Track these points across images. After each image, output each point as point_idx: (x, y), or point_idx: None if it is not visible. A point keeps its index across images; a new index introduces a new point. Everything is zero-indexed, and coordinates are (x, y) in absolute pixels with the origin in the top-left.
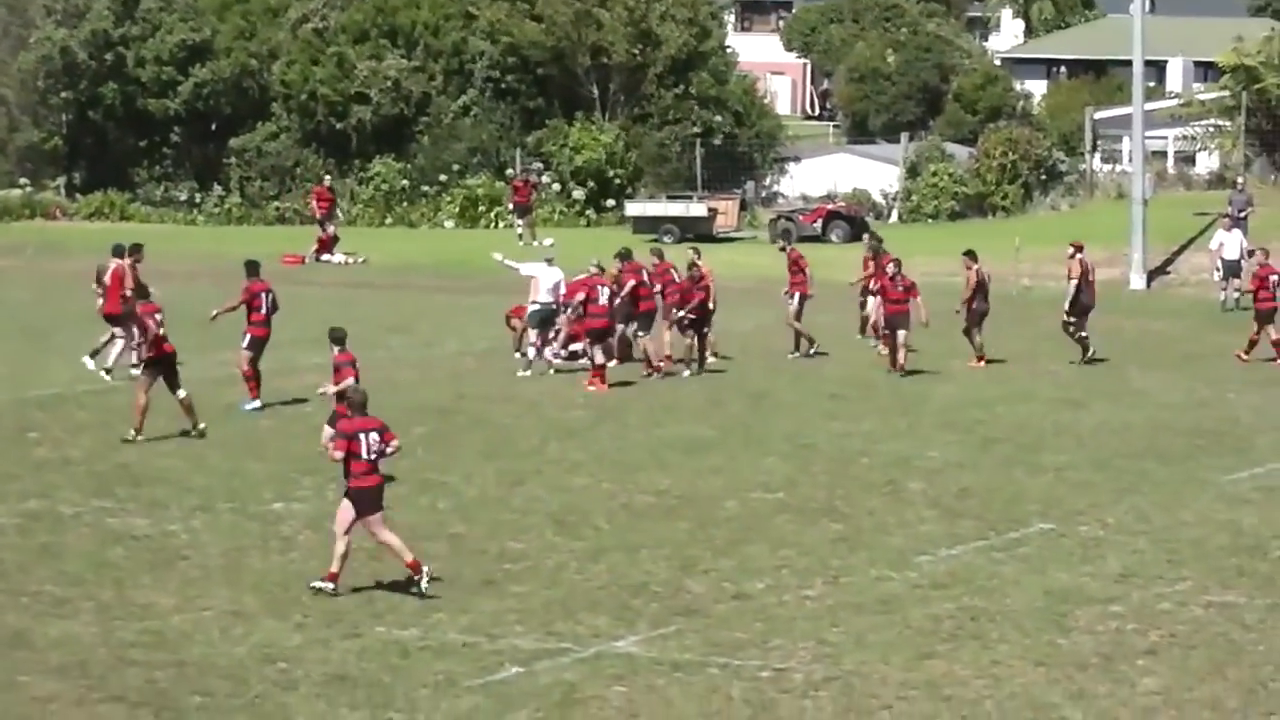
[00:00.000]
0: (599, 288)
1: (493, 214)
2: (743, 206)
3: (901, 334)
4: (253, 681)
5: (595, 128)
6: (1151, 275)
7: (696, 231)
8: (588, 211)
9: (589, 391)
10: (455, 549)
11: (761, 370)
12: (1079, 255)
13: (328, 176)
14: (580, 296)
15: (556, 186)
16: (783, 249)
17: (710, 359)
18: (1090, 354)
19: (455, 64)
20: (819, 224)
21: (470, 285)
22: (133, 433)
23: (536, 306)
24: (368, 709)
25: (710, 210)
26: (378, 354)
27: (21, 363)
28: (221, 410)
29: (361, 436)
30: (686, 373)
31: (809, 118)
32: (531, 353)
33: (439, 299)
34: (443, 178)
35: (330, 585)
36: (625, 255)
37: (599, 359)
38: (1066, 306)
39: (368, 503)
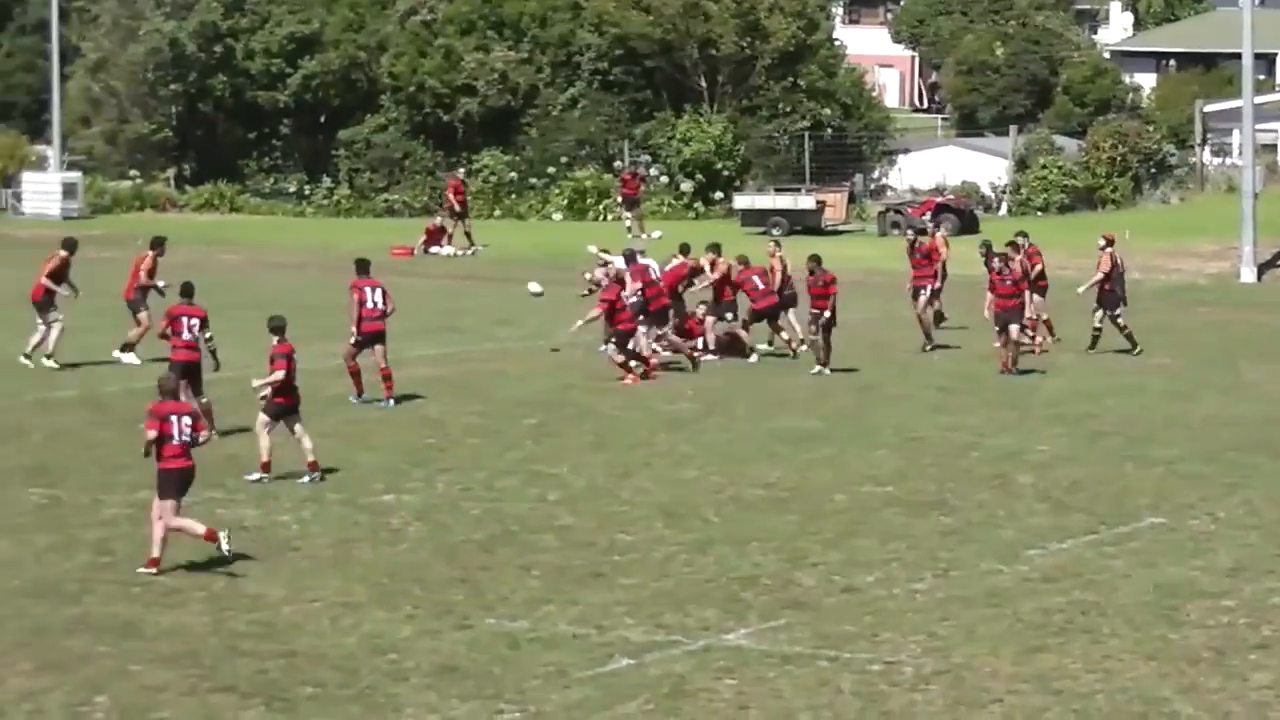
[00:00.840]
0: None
1: (601, 206)
2: (851, 199)
3: (1013, 329)
4: (363, 672)
5: (703, 120)
6: (1262, 268)
7: (805, 224)
8: (695, 204)
9: (625, 384)
10: (564, 540)
11: (869, 362)
12: (1110, 249)
13: (461, 170)
14: (595, 311)
15: (664, 179)
16: (913, 243)
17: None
18: (1093, 347)
19: (563, 56)
20: (927, 216)
21: (577, 278)
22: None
23: (633, 299)
24: (478, 700)
25: (819, 203)
26: (486, 346)
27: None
28: (329, 402)
29: (174, 419)
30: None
31: (917, 110)
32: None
33: (547, 291)
34: (551, 170)
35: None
36: (684, 249)
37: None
38: (1095, 300)
39: (173, 485)
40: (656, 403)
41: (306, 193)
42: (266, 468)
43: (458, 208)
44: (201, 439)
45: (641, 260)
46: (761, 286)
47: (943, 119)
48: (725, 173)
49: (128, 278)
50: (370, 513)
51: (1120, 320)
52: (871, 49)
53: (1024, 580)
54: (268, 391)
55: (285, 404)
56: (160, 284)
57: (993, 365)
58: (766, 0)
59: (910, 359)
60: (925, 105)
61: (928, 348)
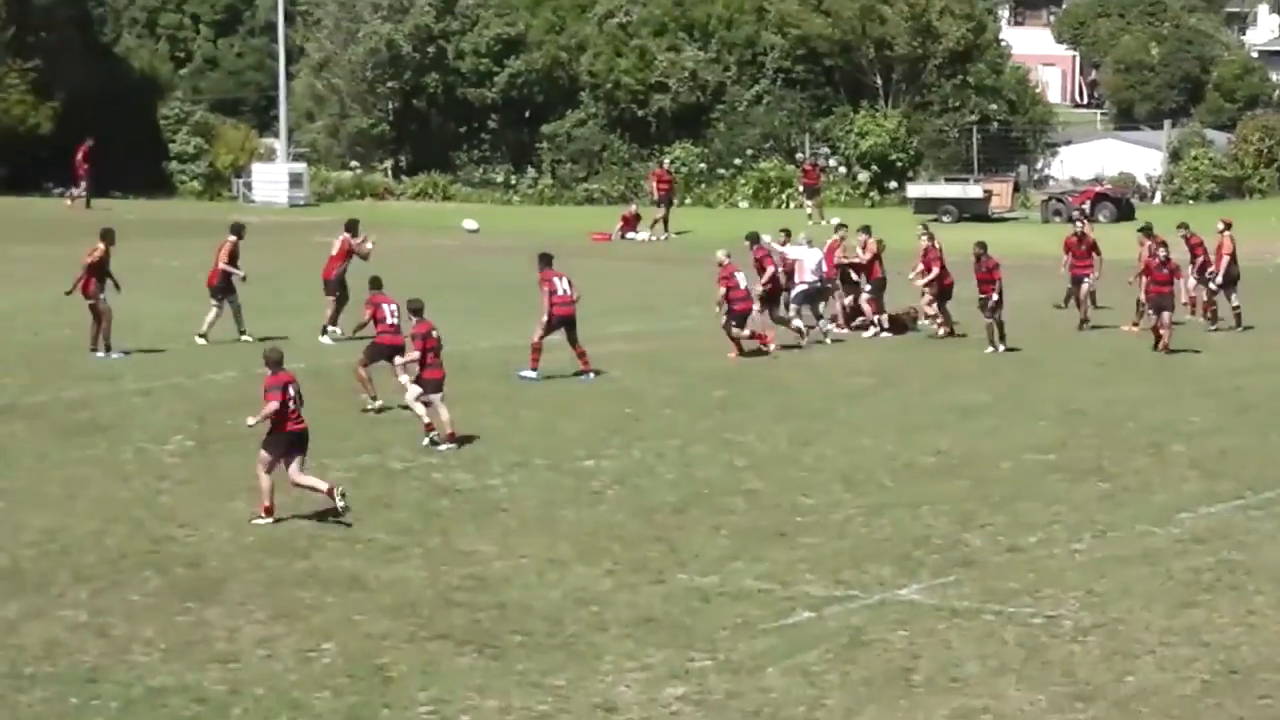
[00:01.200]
0: (735, 274)
1: (784, 195)
2: (1016, 188)
3: (1166, 315)
4: (567, 622)
5: (879, 115)
6: None
7: (972, 212)
8: (871, 193)
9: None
10: (751, 503)
11: (1033, 340)
12: (1228, 232)
13: (666, 159)
14: (720, 290)
15: (843, 170)
16: (1080, 235)
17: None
18: (1239, 324)
19: (748, 55)
20: (1087, 205)
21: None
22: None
23: (804, 286)
24: (672, 649)
25: (986, 192)
26: (681, 324)
27: (347, 328)
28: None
29: (290, 388)
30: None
31: (1078, 105)
32: (797, 323)
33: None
34: (737, 161)
35: (267, 519)
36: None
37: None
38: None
39: (299, 445)
40: (836, 376)
41: (512, 182)
42: (429, 429)
43: (657, 195)
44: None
45: (810, 250)
46: (744, 288)
47: (1101, 114)
48: (899, 164)
49: (211, 264)
50: (573, 477)
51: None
52: (1035, 49)
53: (1175, 541)
54: (414, 367)
55: (435, 378)
56: (240, 272)
57: (1147, 342)
58: (938, 4)
59: (1071, 337)
60: (1085, 101)
61: (1086, 327)
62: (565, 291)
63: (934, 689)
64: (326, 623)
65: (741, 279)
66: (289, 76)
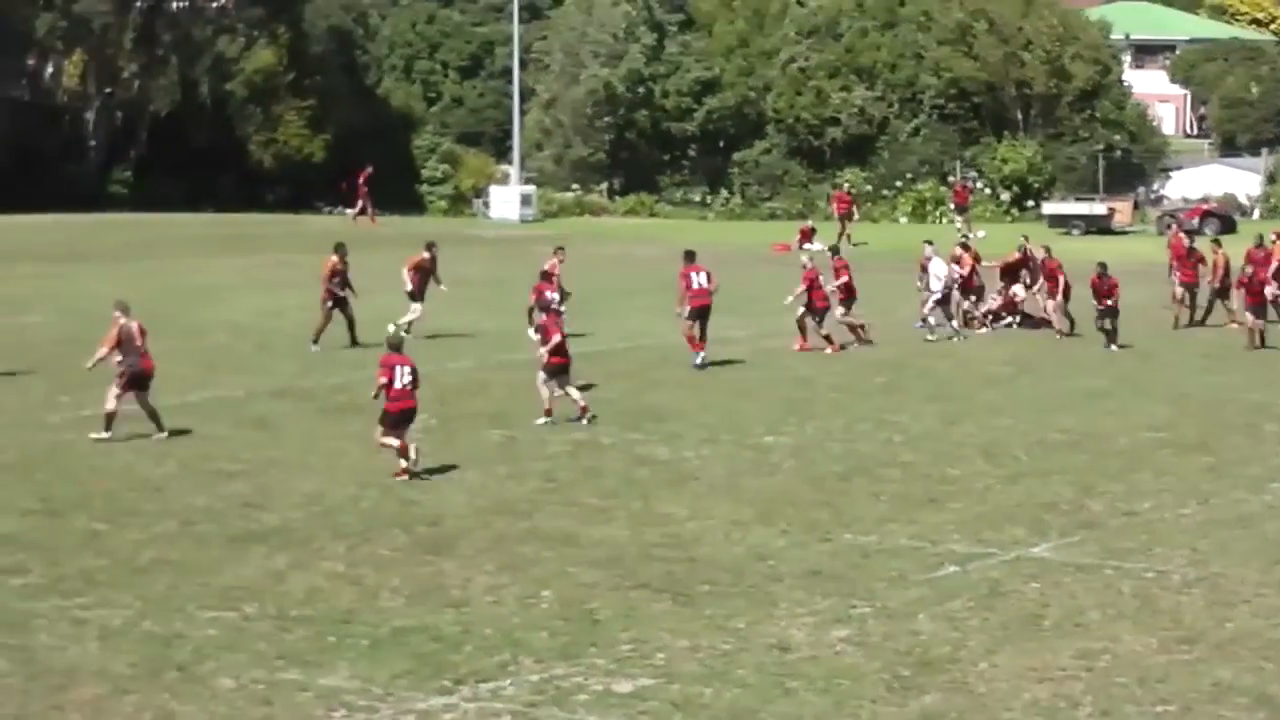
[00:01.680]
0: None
1: (937, 212)
2: (1135, 206)
3: (1256, 321)
4: (747, 574)
5: (1019, 144)
6: None
7: (1098, 226)
8: (1012, 210)
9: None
10: (906, 473)
11: (1146, 334)
12: None
13: (846, 184)
14: (801, 287)
15: (987, 190)
16: (1190, 249)
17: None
18: None
19: (908, 94)
20: (1196, 220)
21: (904, 269)
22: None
23: (936, 291)
24: (837, 597)
25: (1109, 209)
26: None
27: (571, 325)
28: (720, 365)
29: (397, 369)
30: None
31: (1188, 136)
32: (933, 320)
33: (894, 278)
34: (898, 183)
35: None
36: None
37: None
38: None
39: (403, 420)
40: (979, 365)
41: (708, 201)
42: (549, 413)
43: (837, 213)
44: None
45: (938, 260)
46: (695, 287)
47: (1209, 143)
48: (1035, 185)
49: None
50: (754, 450)
51: None
52: (1153, 88)
53: (1269, 507)
54: (544, 354)
55: (560, 364)
56: (341, 291)
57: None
58: (1070, 50)
59: (1181, 334)
60: (1194, 132)
61: (1182, 325)
62: (701, 285)
63: (1061, 633)
64: (544, 574)
65: (823, 281)
66: (522, 113)
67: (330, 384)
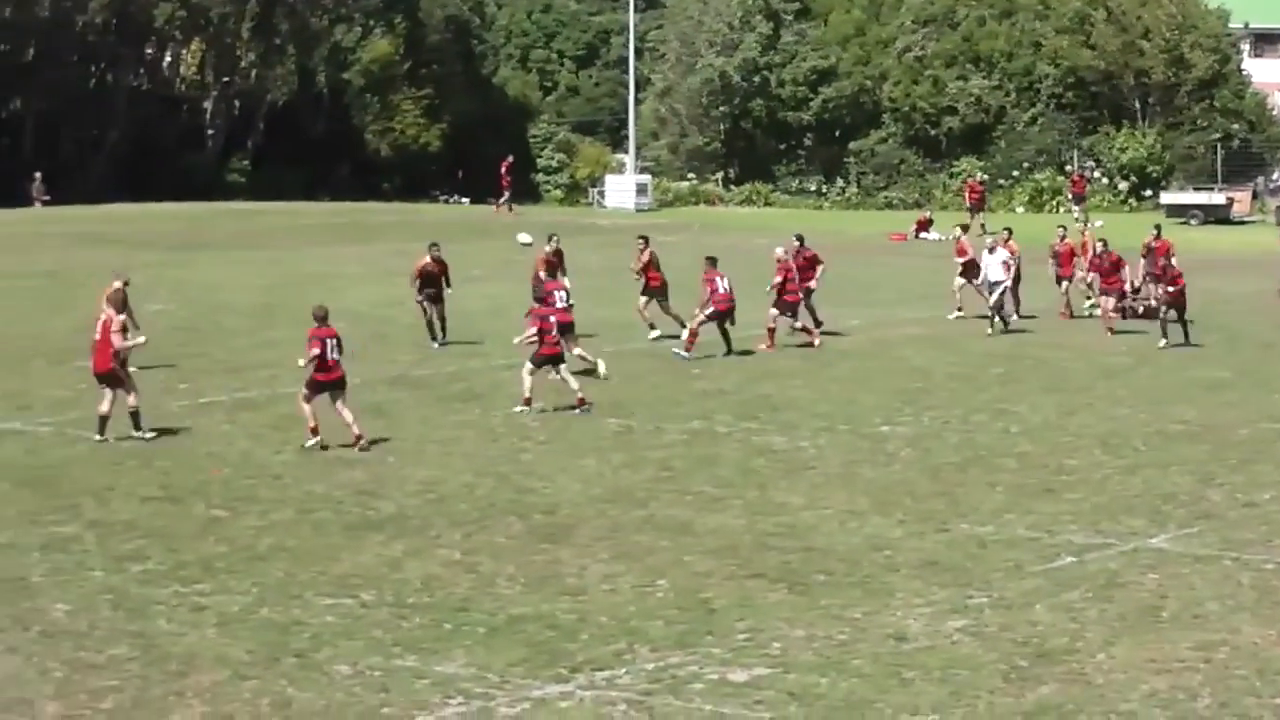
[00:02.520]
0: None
1: (1054, 202)
2: (1254, 196)
3: None
4: (864, 564)
5: (1137, 133)
6: None
7: (1216, 216)
8: (1130, 200)
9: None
10: (1022, 463)
11: (1269, 326)
12: None
13: (979, 173)
14: (777, 279)
15: (1105, 180)
16: None
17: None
18: None
19: (1025, 83)
20: None
21: (1031, 255)
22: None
23: (998, 284)
24: (953, 588)
25: (1228, 199)
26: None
27: (686, 314)
28: (836, 355)
29: (328, 341)
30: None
31: None
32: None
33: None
34: (1015, 173)
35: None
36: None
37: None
38: None
39: (332, 388)
40: (1097, 356)
41: (823, 191)
42: (529, 402)
43: (969, 203)
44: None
45: (998, 252)
46: (721, 291)
47: None
48: (1154, 175)
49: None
50: (870, 440)
51: None
52: (1273, 77)
53: None
54: (530, 342)
55: (550, 354)
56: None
57: None
58: (1189, 38)
59: None
60: None
61: None
62: (725, 290)
63: (1179, 624)
64: (660, 562)
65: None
66: (638, 102)
67: (447, 372)
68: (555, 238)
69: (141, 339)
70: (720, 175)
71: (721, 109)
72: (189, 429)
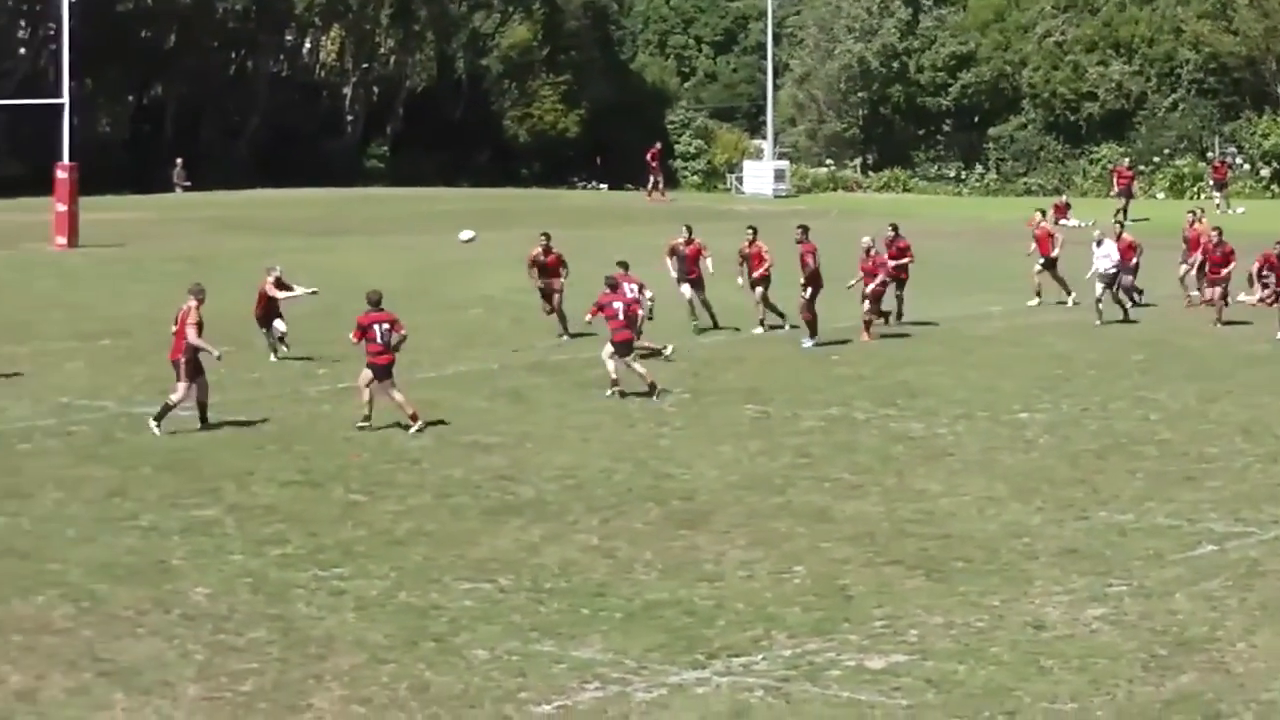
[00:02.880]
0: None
1: (1195, 188)
2: None
3: None
4: (1002, 551)
5: (1279, 120)
6: None
7: None
8: (1273, 186)
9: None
10: (1163, 451)
11: None
12: None
13: (1125, 160)
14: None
15: (1247, 167)
16: None
17: None
18: None
19: (1166, 69)
20: None
21: (1167, 245)
22: None
23: (1109, 269)
24: (1093, 575)
25: None
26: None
27: (824, 300)
28: (976, 341)
29: (375, 326)
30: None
31: None
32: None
33: (1153, 255)
34: (1155, 159)
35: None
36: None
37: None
38: None
39: (379, 373)
40: (1238, 343)
41: (962, 177)
42: (616, 384)
43: (1117, 189)
44: (395, 340)
45: (1108, 243)
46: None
47: None
48: None
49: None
50: (1009, 427)
51: None
52: None
53: None
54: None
55: (624, 340)
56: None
57: None
58: None
59: None
60: None
61: None
62: (812, 266)
63: None
64: (797, 549)
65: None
66: (776, 88)
67: (584, 358)
68: (835, 213)
69: (215, 354)
70: (858, 161)
71: (860, 95)
72: (328, 414)
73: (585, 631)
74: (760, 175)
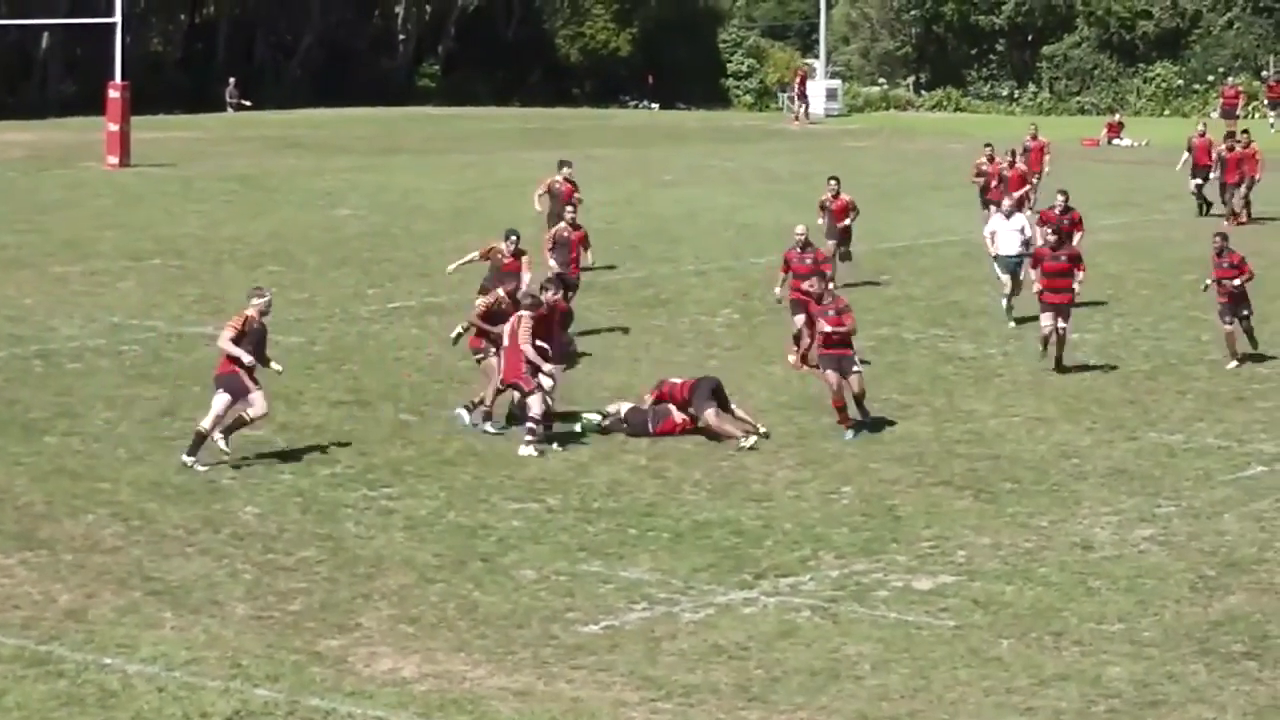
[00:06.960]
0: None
1: (1249, 107)
2: None
3: None
4: (1051, 472)
5: None
6: None
7: None
8: None
9: None
10: (1213, 371)
11: None
12: None
13: (1231, 78)
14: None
15: None
16: None
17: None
18: None
19: None
20: None
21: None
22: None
23: None
24: (1142, 496)
25: None
26: (1158, 217)
27: (877, 220)
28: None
29: None
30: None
31: None
32: None
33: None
34: (1210, 78)
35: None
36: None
37: None
38: None
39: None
40: None
41: (1015, 96)
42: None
43: (1221, 109)
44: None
45: None
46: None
47: None
48: None
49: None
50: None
51: None
52: None
53: None
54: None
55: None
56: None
57: None
58: None
59: None
60: None
61: None
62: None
63: None
64: (846, 469)
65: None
66: (829, 6)
67: (635, 278)
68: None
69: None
70: (911, 80)
71: (913, 13)
72: (377, 334)
73: (633, 552)
74: (813, 95)
